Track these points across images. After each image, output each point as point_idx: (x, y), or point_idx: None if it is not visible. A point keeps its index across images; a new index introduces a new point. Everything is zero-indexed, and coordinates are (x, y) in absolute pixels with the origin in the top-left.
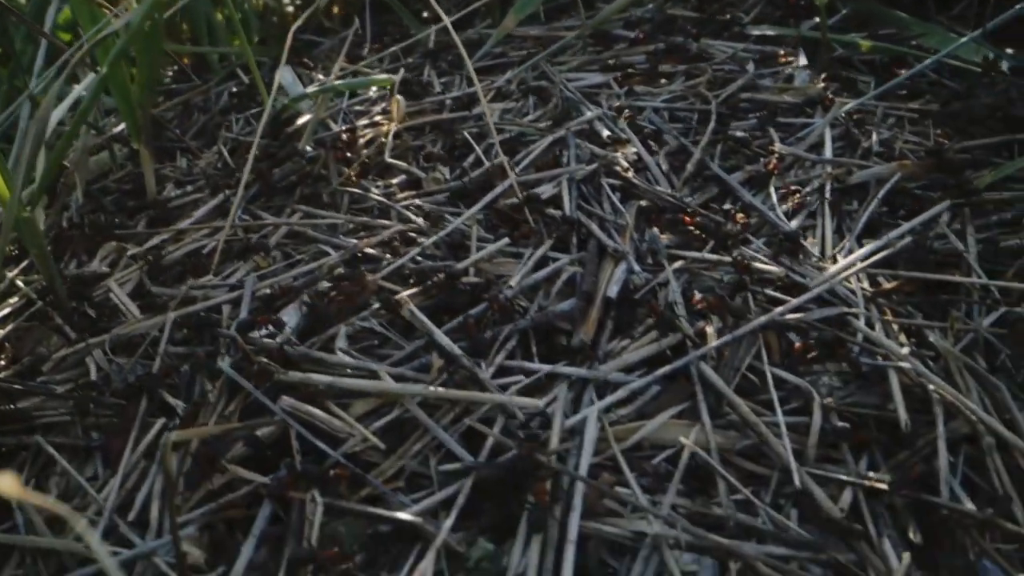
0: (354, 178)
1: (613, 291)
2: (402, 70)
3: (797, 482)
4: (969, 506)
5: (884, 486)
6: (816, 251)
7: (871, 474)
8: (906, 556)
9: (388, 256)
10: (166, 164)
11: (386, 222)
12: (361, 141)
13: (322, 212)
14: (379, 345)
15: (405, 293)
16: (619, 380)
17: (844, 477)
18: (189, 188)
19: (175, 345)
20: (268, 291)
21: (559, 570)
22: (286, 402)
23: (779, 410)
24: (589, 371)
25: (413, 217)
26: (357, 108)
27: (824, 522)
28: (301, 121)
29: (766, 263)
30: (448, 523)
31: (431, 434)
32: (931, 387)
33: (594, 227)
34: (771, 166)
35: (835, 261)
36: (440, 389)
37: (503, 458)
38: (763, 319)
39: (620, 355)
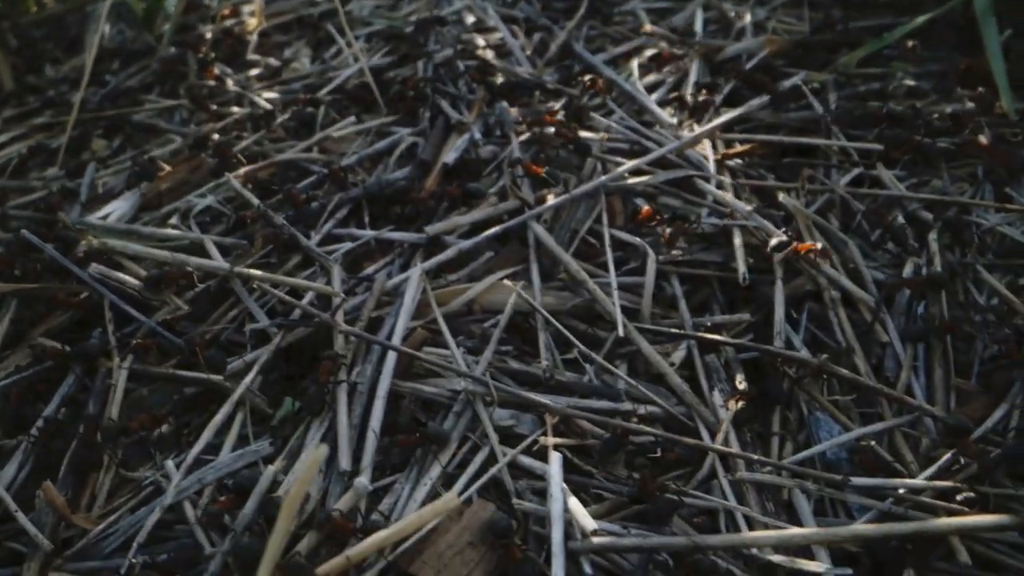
0: (214, 72)
1: (451, 158)
2: None
3: (621, 332)
4: (803, 354)
5: (718, 336)
6: (674, 121)
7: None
8: (733, 405)
9: (235, 140)
10: (31, 74)
11: (236, 109)
12: (226, 40)
13: (169, 103)
14: (211, 221)
15: (241, 171)
16: (447, 243)
17: (676, 330)
18: (51, 93)
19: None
20: (107, 180)
21: (364, 426)
22: (95, 269)
23: (612, 269)
24: (415, 235)
25: (264, 104)
26: (226, 11)
27: (654, 377)
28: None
29: (618, 132)
30: (248, 379)
31: (245, 303)
32: (772, 242)
33: (444, 103)
34: (638, 52)
35: (692, 130)
36: (243, 269)
37: (308, 323)
38: (602, 179)
39: (451, 219)
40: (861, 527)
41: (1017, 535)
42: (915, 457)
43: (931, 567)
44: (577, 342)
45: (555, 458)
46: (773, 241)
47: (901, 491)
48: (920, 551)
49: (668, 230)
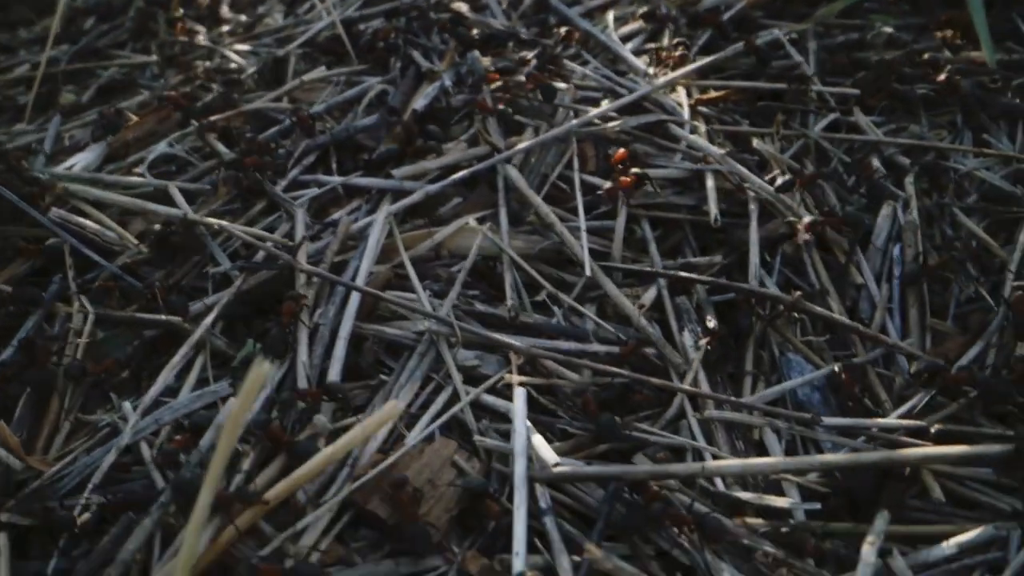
0: (185, 28)
1: (421, 104)
2: None
3: (588, 271)
4: (774, 290)
5: (689, 274)
6: (650, 70)
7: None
8: (703, 344)
9: (202, 91)
10: (5, 34)
11: (207, 63)
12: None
13: (141, 58)
14: (177, 171)
15: (208, 120)
16: (415, 187)
17: (648, 268)
18: (22, 53)
19: None
20: (75, 133)
21: (326, 367)
22: (56, 214)
23: (581, 211)
24: (383, 180)
25: (235, 58)
26: None
27: (622, 318)
28: None
29: (591, 80)
30: (208, 320)
31: (208, 246)
32: (746, 185)
33: (416, 54)
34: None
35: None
36: (196, 216)
37: (269, 265)
38: (572, 123)
39: (420, 164)
40: (828, 457)
41: (990, 471)
42: (888, 396)
43: (905, 505)
44: (545, 283)
45: (519, 393)
46: (779, 181)
47: (873, 430)
48: (893, 489)
49: (626, 178)
